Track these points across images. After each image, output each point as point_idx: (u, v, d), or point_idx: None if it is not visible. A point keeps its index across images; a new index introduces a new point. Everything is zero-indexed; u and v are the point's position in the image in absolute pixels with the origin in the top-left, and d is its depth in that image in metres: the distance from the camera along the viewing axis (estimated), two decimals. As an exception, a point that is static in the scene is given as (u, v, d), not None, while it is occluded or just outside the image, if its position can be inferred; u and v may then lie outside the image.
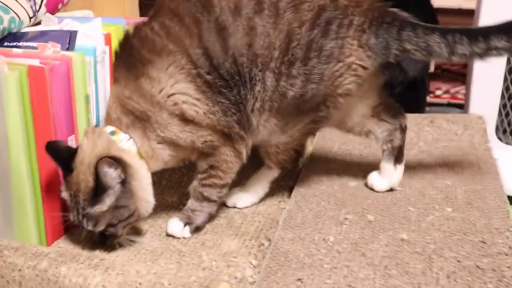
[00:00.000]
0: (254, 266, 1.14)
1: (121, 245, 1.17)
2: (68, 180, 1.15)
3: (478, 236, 1.17)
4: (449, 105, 2.66)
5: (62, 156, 1.15)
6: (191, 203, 1.28)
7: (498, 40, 1.18)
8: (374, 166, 1.41)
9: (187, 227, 1.24)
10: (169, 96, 1.17)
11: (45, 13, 1.48)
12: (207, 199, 1.27)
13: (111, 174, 1.11)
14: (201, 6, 1.17)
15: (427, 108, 2.59)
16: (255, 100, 1.20)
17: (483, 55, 1.20)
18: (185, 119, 1.19)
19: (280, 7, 1.17)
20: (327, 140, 1.71)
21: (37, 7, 1.46)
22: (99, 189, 1.11)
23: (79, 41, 1.35)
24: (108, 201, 1.12)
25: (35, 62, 1.20)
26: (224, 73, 1.17)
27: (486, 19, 1.78)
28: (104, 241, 1.16)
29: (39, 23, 1.46)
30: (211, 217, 1.30)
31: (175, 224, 1.24)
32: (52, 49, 1.27)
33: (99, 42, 1.38)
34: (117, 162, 1.11)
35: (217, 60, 1.17)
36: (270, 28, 1.16)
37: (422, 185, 1.40)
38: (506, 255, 1.09)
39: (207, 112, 1.19)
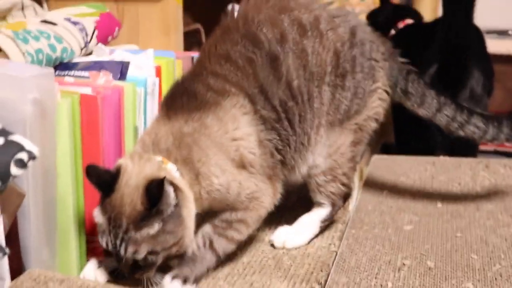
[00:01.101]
0: (306, 312, 1.07)
1: (149, 283, 1.07)
2: (108, 202, 1.05)
3: (552, 289, 1.08)
4: (496, 152, 2.57)
5: (102, 178, 1.06)
6: (192, 251, 1.14)
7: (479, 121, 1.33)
8: (429, 209, 1.34)
9: (188, 285, 1.11)
10: (233, 140, 1.14)
11: (96, 45, 1.47)
12: (213, 249, 1.15)
13: (167, 195, 1.03)
14: (251, 45, 1.18)
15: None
16: (313, 115, 1.23)
17: (461, 127, 1.34)
18: (241, 165, 1.15)
19: (321, 28, 1.23)
20: (377, 182, 1.64)
21: (89, 38, 1.46)
22: (150, 211, 1.02)
23: (130, 72, 1.33)
24: (157, 225, 1.03)
25: (88, 91, 1.18)
26: (276, 103, 1.18)
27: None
28: (134, 271, 1.06)
29: (90, 53, 1.46)
30: (207, 273, 1.16)
31: (173, 285, 1.10)
32: (104, 79, 1.26)
33: (151, 73, 1.36)
34: (172, 185, 1.05)
35: (272, 90, 1.18)
36: (319, 47, 1.21)
37: (483, 232, 1.32)
38: None
39: (262, 154, 1.17)
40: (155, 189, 1.01)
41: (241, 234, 1.18)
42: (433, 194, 1.54)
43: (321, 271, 1.22)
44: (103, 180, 1.06)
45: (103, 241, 1.05)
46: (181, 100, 1.15)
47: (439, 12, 2.83)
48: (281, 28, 1.20)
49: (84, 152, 1.16)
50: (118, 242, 1.03)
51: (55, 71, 1.32)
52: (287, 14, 1.22)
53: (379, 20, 2.21)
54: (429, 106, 1.33)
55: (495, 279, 1.12)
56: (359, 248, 1.27)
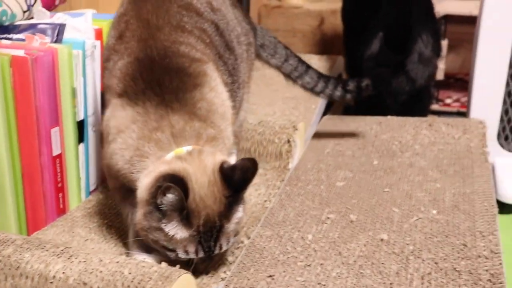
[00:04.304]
0: (230, 263, 1.13)
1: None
2: (189, 214, 0.97)
3: (460, 239, 1.13)
4: (459, 113, 2.60)
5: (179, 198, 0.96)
6: None
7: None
8: (365, 166, 1.38)
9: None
10: (227, 106, 1.15)
11: (40, 7, 1.50)
12: None
13: (251, 175, 1.01)
14: (196, 15, 1.20)
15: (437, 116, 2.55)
16: (244, 74, 1.33)
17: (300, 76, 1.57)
18: (231, 121, 1.17)
19: None
20: (321, 141, 1.69)
21: (32, 2, 1.48)
22: (234, 198, 1.01)
23: (69, 35, 1.36)
24: (241, 206, 1.03)
25: (20, 53, 1.21)
26: (230, 68, 1.25)
27: (487, 26, 1.75)
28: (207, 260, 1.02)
29: (32, 17, 1.48)
30: None
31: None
32: (39, 41, 1.29)
33: (89, 36, 1.39)
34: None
35: (225, 56, 1.23)
36: (227, 14, 1.30)
37: (410, 187, 1.37)
38: (486, 258, 1.06)
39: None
40: (233, 175, 0.99)
41: None
42: (372, 152, 1.59)
43: (252, 226, 1.28)
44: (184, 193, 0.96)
45: (191, 252, 0.99)
46: (171, 81, 1.07)
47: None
48: None
49: (17, 112, 1.20)
50: (212, 243, 0.99)
51: (-6, 34, 1.36)
52: None
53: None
54: (279, 56, 1.54)
55: (410, 230, 1.18)
56: (289, 203, 1.32)
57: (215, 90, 1.11)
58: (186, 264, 1.01)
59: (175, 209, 0.96)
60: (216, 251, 1.00)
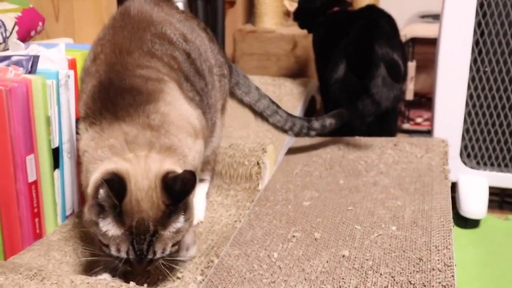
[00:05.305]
0: (199, 282, 1.18)
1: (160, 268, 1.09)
2: (123, 213, 1.00)
3: (416, 253, 1.19)
4: (429, 132, 2.68)
5: (114, 190, 1.00)
6: None
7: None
8: (331, 185, 1.44)
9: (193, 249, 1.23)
10: (186, 118, 1.18)
11: (15, 39, 1.55)
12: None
13: (189, 187, 1.03)
14: (167, 44, 1.25)
15: (405, 135, 2.63)
16: (215, 100, 1.39)
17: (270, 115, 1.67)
18: (195, 134, 1.20)
19: (198, 30, 1.41)
20: (291, 162, 1.75)
21: (8, 34, 1.54)
22: (175, 207, 1.03)
23: (43, 66, 1.42)
24: (182, 217, 1.04)
25: (-5, 84, 1.26)
26: (199, 89, 1.29)
27: (446, 49, 1.83)
28: (147, 266, 1.05)
29: (8, 49, 1.54)
30: None
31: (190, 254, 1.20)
32: (13, 72, 1.34)
33: (63, 66, 1.45)
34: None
35: (194, 80, 1.28)
36: (202, 45, 1.37)
37: (373, 205, 1.43)
38: (440, 271, 1.12)
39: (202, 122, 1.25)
40: (175, 185, 1.01)
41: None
42: (338, 172, 1.65)
43: (222, 245, 1.33)
44: (115, 192, 0.99)
45: (122, 251, 1.02)
46: (123, 99, 1.12)
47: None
48: (179, 30, 1.30)
49: (-7, 142, 1.25)
50: (144, 247, 1.01)
51: (-29, 66, 1.41)
52: (177, 18, 1.33)
53: (312, 6, 2.29)
54: (253, 95, 1.63)
55: (370, 246, 1.24)
56: (257, 223, 1.38)
57: (172, 104, 1.15)
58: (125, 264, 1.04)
59: (109, 205, 1.00)
60: (150, 256, 1.02)
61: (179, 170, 1.06)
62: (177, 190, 1.01)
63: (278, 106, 1.67)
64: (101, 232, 1.01)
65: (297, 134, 1.72)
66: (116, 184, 0.99)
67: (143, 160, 1.05)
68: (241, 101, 1.63)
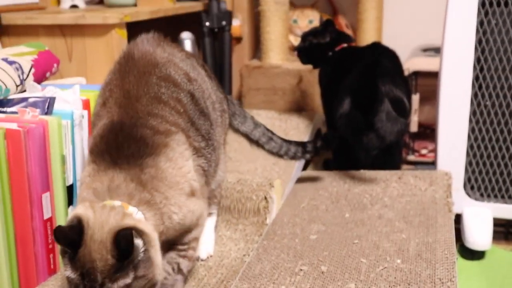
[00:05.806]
0: (210, 315, 1.21)
1: None
2: (77, 259, 1.05)
3: (421, 286, 1.22)
4: (434, 163, 2.72)
5: (70, 238, 1.05)
6: (162, 281, 1.20)
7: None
8: (337, 219, 1.48)
9: None
10: (184, 176, 1.21)
11: (33, 81, 1.62)
12: (181, 272, 1.27)
13: (136, 246, 1.06)
14: (173, 86, 1.29)
15: (413, 167, 2.67)
16: (219, 136, 1.45)
17: (266, 142, 1.71)
18: (191, 193, 1.22)
19: (198, 68, 1.45)
20: (298, 196, 1.79)
21: (25, 76, 1.61)
22: (122, 263, 1.04)
23: (58, 106, 1.48)
24: (131, 273, 1.05)
25: (13, 126, 1.32)
26: (204, 133, 1.32)
27: (447, 83, 1.89)
28: None
29: (25, 90, 1.60)
30: None
31: None
32: (31, 114, 1.40)
33: (77, 106, 1.51)
34: (137, 231, 1.07)
35: (198, 123, 1.31)
36: (203, 83, 1.40)
37: (378, 238, 1.47)
38: (444, 303, 1.15)
39: (199, 179, 1.28)
40: (124, 243, 1.03)
41: (196, 250, 1.32)
42: (344, 205, 1.69)
43: (232, 279, 1.36)
44: (70, 239, 1.05)
45: None
46: (129, 148, 1.16)
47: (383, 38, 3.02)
48: (182, 70, 1.34)
49: (11, 180, 1.31)
50: None
51: (-9, 108, 1.48)
52: (178, 57, 1.37)
53: (321, 42, 2.35)
54: (248, 125, 1.69)
55: (376, 279, 1.27)
56: (266, 257, 1.41)
57: (172, 161, 1.19)
58: None
59: (72, 248, 1.05)
60: None
61: (150, 226, 1.11)
62: (122, 247, 1.04)
63: (272, 133, 1.73)
64: (65, 270, 1.06)
65: (293, 158, 1.78)
66: (74, 230, 1.05)
67: (107, 211, 1.08)
68: (237, 131, 1.69)
